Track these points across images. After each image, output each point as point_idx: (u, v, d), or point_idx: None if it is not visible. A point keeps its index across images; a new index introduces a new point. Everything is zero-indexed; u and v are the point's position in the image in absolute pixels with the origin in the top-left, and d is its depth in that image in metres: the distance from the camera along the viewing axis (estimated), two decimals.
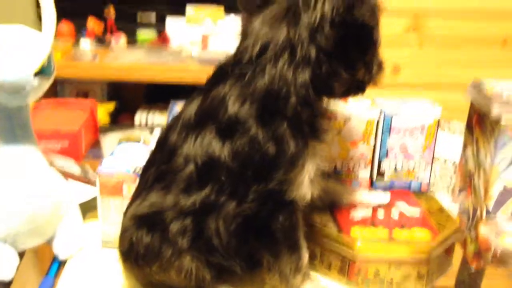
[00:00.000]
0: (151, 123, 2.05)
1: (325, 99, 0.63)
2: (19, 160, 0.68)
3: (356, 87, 0.64)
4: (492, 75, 1.81)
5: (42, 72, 0.65)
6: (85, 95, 2.15)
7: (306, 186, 0.60)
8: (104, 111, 2.05)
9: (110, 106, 2.07)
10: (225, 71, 0.60)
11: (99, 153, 1.07)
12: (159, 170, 0.63)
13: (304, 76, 0.57)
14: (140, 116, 2.06)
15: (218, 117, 0.59)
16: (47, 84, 0.67)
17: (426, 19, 1.77)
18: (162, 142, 0.65)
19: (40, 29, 0.65)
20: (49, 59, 0.66)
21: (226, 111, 0.58)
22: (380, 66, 0.64)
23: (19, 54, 0.63)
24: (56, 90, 2.12)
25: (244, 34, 0.60)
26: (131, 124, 2.13)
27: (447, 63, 1.82)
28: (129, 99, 2.27)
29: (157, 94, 2.18)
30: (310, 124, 0.60)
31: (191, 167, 0.59)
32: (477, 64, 1.82)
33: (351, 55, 0.60)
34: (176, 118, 0.64)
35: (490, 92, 0.69)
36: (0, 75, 0.62)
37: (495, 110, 0.66)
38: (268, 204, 0.59)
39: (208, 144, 0.59)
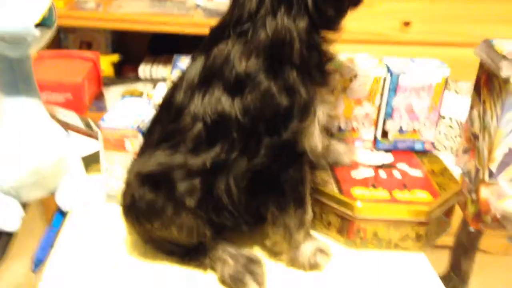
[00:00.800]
0: (155, 76, 2.03)
1: (329, 37, 0.61)
2: (22, 113, 0.67)
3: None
4: (506, 31, 1.77)
5: (43, 23, 0.64)
6: (89, 45, 2.12)
7: (317, 136, 0.61)
8: (107, 62, 2.03)
9: (114, 57, 2.05)
10: (224, 29, 0.59)
11: (102, 106, 1.07)
12: (166, 129, 0.62)
13: (305, 22, 0.56)
14: (144, 68, 2.04)
15: (225, 74, 0.58)
16: (48, 35, 0.66)
17: None
18: (167, 102, 0.64)
19: None
20: (50, 10, 0.65)
21: (233, 68, 0.57)
22: None
23: (20, 5, 0.62)
24: (60, 39, 2.10)
25: None
26: (135, 77, 2.12)
27: (459, 19, 1.77)
28: (133, 50, 2.24)
29: (161, 46, 2.15)
30: (317, 69, 0.60)
31: (199, 125, 0.59)
32: (490, 20, 1.77)
33: None
34: (180, 78, 0.63)
35: (500, 52, 0.68)
36: (1, 26, 0.61)
37: (505, 70, 0.65)
38: (280, 157, 0.60)
39: (216, 102, 0.58)
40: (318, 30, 0.58)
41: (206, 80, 0.60)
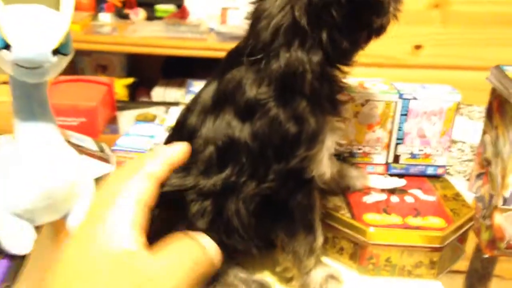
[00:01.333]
0: (169, 98, 2.05)
1: (342, 70, 0.62)
2: (37, 137, 0.68)
3: (376, 33, 0.61)
4: None
5: (60, 50, 0.65)
6: (104, 68, 2.16)
7: (325, 163, 0.61)
8: (122, 85, 2.06)
9: (128, 80, 2.09)
10: (239, 56, 0.60)
11: (116, 128, 1.08)
12: None
13: (318, 56, 0.56)
14: (157, 91, 2.07)
15: (236, 99, 0.59)
16: (65, 62, 0.68)
17: None
18: (180, 124, 0.65)
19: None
20: (67, 37, 0.66)
21: (244, 94, 0.58)
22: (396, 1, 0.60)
23: (37, 32, 0.63)
24: (75, 62, 2.14)
25: (255, 17, 0.59)
26: (148, 100, 2.14)
27: (470, 43, 1.78)
28: (147, 73, 2.27)
29: (175, 69, 2.19)
30: (328, 99, 0.60)
31: (210, 148, 0.60)
32: (502, 43, 1.77)
33: (364, 22, 0.58)
34: (193, 101, 0.64)
35: None
36: (18, 52, 0.63)
37: None
38: (289, 182, 0.60)
39: (227, 126, 0.59)
40: (331, 63, 0.59)
41: (219, 104, 0.60)
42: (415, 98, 0.75)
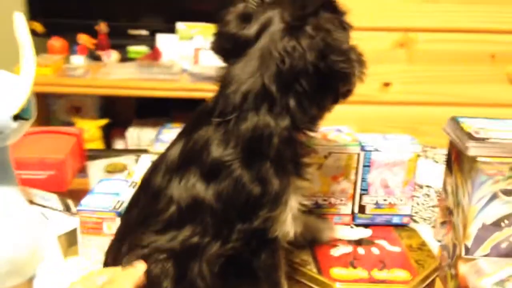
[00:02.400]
0: (143, 138, 2.05)
1: (307, 134, 0.63)
2: None
3: (342, 97, 0.63)
4: (482, 90, 1.82)
5: (21, 115, 0.65)
6: (77, 110, 2.15)
7: (289, 223, 0.62)
8: (96, 126, 2.05)
9: (102, 122, 2.08)
10: (207, 116, 0.61)
11: (86, 176, 1.07)
12: (143, 212, 0.63)
13: (285, 121, 0.58)
14: (132, 132, 2.06)
15: (202, 159, 0.60)
16: (27, 126, 0.67)
17: (415, 35, 1.78)
18: (146, 184, 0.65)
19: None
20: (29, 102, 0.66)
21: (210, 154, 0.59)
22: (360, 62, 0.61)
23: None
24: (49, 105, 2.13)
25: (226, 82, 0.60)
26: (123, 141, 2.13)
27: (437, 80, 1.82)
28: (121, 114, 2.27)
29: (149, 110, 2.19)
30: (293, 162, 0.61)
31: (173, 208, 0.60)
32: (466, 79, 1.82)
33: (331, 88, 0.60)
34: (160, 159, 0.65)
35: (467, 130, 0.69)
36: None
37: (472, 149, 0.66)
38: (252, 242, 0.60)
39: (192, 187, 0.59)
40: (298, 128, 0.60)
41: (185, 163, 0.61)
42: (377, 150, 0.76)
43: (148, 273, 0.60)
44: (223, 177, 0.58)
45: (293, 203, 0.61)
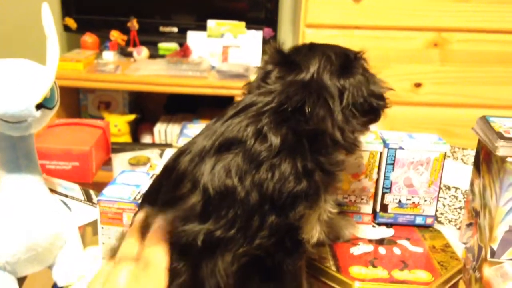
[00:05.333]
0: (170, 135, 2.07)
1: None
2: (22, 189, 0.69)
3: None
4: None
5: (44, 104, 0.66)
6: (107, 105, 2.19)
7: (315, 228, 0.59)
8: (124, 121, 2.08)
9: (131, 117, 2.11)
10: (255, 105, 0.59)
11: (110, 169, 1.08)
12: (163, 199, 0.59)
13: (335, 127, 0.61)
14: (159, 127, 2.09)
15: (245, 146, 0.56)
16: (49, 115, 0.69)
17: (449, 35, 1.73)
18: (169, 168, 0.60)
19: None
20: (52, 91, 0.67)
21: (255, 142, 0.56)
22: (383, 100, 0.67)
23: (21, 87, 0.64)
24: (79, 99, 2.17)
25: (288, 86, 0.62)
26: (149, 137, 2.15)
27: (469, 81, 1.78)
28: (150, 110, 2.30)
29: (177, 106, 2.21)
30: (333, 164, 0.60)
31: (197, 196, 0.55)
32: (499, 81, 1.77)
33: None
34: (188, 144, 0.60)
35: (498, 129, 0.67)
36: (2, 107, 0.64)
37: (501, 150, 0.64)
38: (286, 241, 0.57)
39: (227, 173, 0.55)
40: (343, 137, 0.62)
41: (222, 148, 0.57)
42: (401, 148, 0.74)
43: None
44: (267, 167, 0.55)
45: (327, 205, 0.59)
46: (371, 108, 0.65)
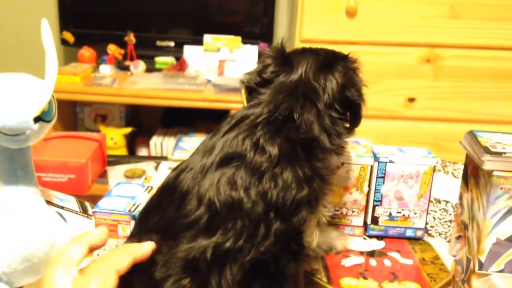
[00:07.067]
0: (166, 148, 2.08)
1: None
2: (19, 201, 0.70)
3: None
4: (507, 107, 1.79)
5: (42, 117, 0.67)
6: (104, 117, 2.20)
7: (314, 233, 0.62)
8: (120, 134, 2.09)
9: (127, 130, 2.12)
10: (247, 118, 0.61)
11: (106, 182, 1.09)
12: (164, 215, 0.59)
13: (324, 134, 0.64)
14: (155, 140, 2.10)
15: (246, 158, 0.58)
16: (47, 128, 0.70)
17: (441, 51, 1.76)
18: (170, 186, 0.61)
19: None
20: (50, 105, 0.69)
21: (256, 154, 0.57)
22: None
23: (19, 100, 0.65)
24: (76, 112, 2.19)
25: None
26: (145, 150, 2.17)
27: (462, 97, 1.80)
28: (146, 123, 2.31)
29: (173, 119, 2.22)
30: (326, 169, 0.62)
31: (202, 210, 0.56)
32: (492, 96, 1.79)
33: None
34: (188, 162, 0.62)
35: (484, 144, 0.69)
36: (0, 119, 0.65)
37: (488, 163, 0.66)
38: (291, 245, 0.59)
39: (231, 186, 0.56)
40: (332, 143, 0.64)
41: (224, 162, 0.58)
42: (391, 161, 0.76)
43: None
44: (269, 177, 0.56)
45: (325, 209, 0.62)
46: (348, 101, 0.67)
